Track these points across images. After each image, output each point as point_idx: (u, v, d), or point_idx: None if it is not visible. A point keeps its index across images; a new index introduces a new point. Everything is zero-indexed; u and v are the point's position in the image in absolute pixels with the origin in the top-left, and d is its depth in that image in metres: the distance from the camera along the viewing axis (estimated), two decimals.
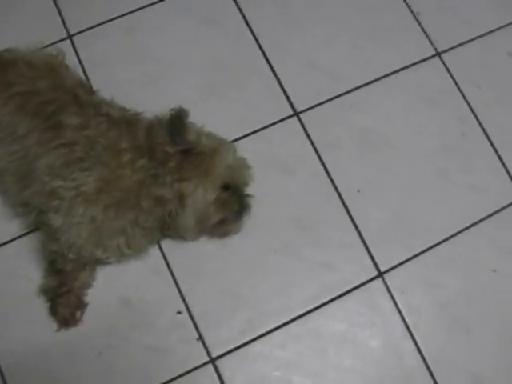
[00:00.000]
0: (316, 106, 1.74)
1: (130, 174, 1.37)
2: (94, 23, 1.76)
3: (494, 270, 1.63)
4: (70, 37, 1.74)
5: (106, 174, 1.36)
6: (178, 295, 1.53)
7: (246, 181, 1.52)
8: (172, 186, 1.38)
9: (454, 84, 1.80)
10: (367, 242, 1.62)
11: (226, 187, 1.44)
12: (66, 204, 1.35)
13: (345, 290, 1.58)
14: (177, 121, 1.37)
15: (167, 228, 1.47)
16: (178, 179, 1.38)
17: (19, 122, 1.39)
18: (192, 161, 1.39)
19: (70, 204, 1.35)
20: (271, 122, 1.71)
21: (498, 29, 1.90)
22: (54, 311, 1.49)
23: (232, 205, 1.46)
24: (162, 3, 1.82)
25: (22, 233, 1.56)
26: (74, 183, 1.35)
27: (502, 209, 1.69)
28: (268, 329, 1.53)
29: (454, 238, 1.65)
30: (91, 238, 1.38)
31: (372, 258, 1.61)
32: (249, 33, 1.80)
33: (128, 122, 1.44)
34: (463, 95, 1.79)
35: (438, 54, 1.84)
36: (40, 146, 1.37)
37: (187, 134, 1.38)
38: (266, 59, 1.78)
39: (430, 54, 1.83)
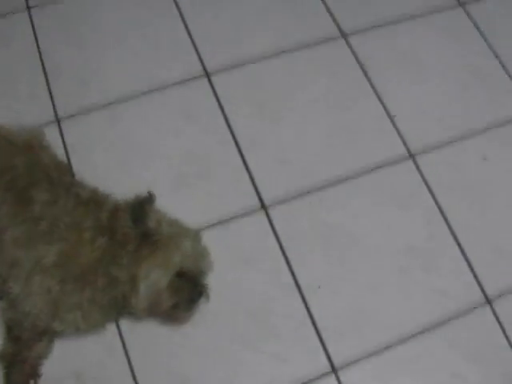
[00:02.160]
0: (284, 201, 1.93)
1: (89, 251, 1.53)
2: (82, 109, 2.03)
3: (452, 374, 1.73)
4: (57, 120, 2.00)
5: (66, 248, 1.52)
6: (130, 373, 1.68)
7: (202, 270, 1.65)
8: (128, 268, 1.54)
9: (425, 186, 1.98)
10: (323, 338, 1.75)
11: (181, 274, 1.59)
12: (25, 274, 1.52)
13: None
14: (140, 206, 1.54)
15: (121, 307, 1.60)
16: (134, 262, 1.54)
17: None
18: (149, 246, 1.56)
19: (28, 274, 1.52)
20: (238, 214, 1.89)
21: (474, 133, 2.10)
22: (8, 378, 1.64)
23: (184, 292, 1.59)
24: (147, 95, 2.08)
25: None
26: (35, 254, 1.52)
27: (465, 311, 1.81)
28: None
29: (413, 339, 1.77)
30: (47, 308, 1.54)
31: (327, 354, 1.73)
32: (225, 125, 2.04)
33: (95, 202, 1.62)
34: (434, 198, 1.96)
35: (412, 156, 2.03)
36: (8, 218, 1.56)
37: (148, 220, 1.54)
38: (240, 151, 2.00)
39: (403, 156, 2.03)
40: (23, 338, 1.63)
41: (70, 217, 1.57)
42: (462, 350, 1.78)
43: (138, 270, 1.55)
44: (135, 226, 1.55)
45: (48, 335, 1.66)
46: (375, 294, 1.83)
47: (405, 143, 2.06)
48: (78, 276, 1.55)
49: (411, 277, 1.86)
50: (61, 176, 1.68)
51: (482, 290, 1.86)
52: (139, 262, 1.56)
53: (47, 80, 2.09)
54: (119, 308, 1.62)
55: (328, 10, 2.31)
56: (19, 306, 1.56)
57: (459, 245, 1.91)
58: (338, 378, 1.72)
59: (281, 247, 1.87)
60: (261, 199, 1.94)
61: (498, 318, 1.83)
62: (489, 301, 1.85)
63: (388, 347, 1.77)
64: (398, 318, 1.81)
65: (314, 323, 1.78)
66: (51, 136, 1.86)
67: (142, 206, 1.56)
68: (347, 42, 2.24)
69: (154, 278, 1.56)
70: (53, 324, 1.58)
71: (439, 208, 1.96)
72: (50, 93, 2.07)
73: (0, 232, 1.57)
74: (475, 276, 1.88)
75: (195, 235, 1.68)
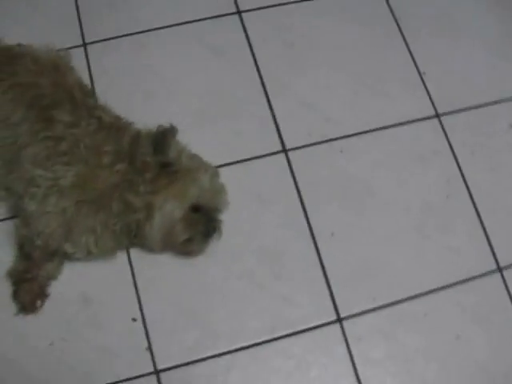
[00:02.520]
0: (305, 146, 1.93)
1: (107, 175, 1.56)
2: (109, 36, 2.02)
3: (457, 336, 1.75)
4: (84, 45, 1.99)
5: (85, 171, 1.55)
6: (137, 302, 1.70)
7: (218, 206, 1.69)
8: (144, 196, 1.57)
9: (448, 146, 1.97)
10: (332, 285, 1.76)
11: (197, 208, 1.62)
12: (42, 192, 1.54)
13: (301, 328, 1.72)
14: (162, 135, 1.56)
15: (134, 236, 1.63)
16: (151, 191, 1.57)
17: (15, 111, 1.59)
18: (168, 176, 1.58)
19: (45, 193, 1.54)
20: (258, 154, 1.90)
21: (502, 100, 2.08)
22: (15, 295, 1.66)
23: (199, 226, 1.63)
24: (176, 27, 2.06)
25: (2, 217, 1.75)
26: (53, 174, 1.54)
27: (475, 276, 1.82)
28: (216, 352, 1.67)
29: (421, 297, 1.78)
30: (60, 229, 1.57)
31: (334, 301, 1.74)
32: (254, 67, 2.03)
33: (117, 127, 1.63)
34: (456, 158, 1.96)
35: (438, 116, 2.02)
36: (29, 135, 1.58)
37: (169, 150, 1.57)
38: (265, 92, 1.99)
39: (429, 114, 2.02)
40: (34, 257, 1.65)
41: (91, 139, 1.58)
42: (469, 313, 1.79)
43: (153, 199, 1.58)
44: (155, 155, 1.57)
45: (59, 256, 1.68)
46: (388, 247, 1.84)
47: (432, 102, 2.04)
48: (93, 199, 1.57)
49: (425, 234, 1.86)
50: (84, 98, 1.68)
51: (495, 257, 1.86)
52: (156, 191, 1.58)
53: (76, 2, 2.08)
54: (131, 236, 1.65)
55: None
56: (33, 224, 1.58)
57: (476, 209, 1.91)
58: (342, 327, 1.73)
59: (298, 191, 1.88)
60: (282, 141, 1.93)
61: (506, 286, 1.83)
62: (500, 268, 1.85)
63: (396, 302, 1.78)
64: (408, 274, 1.81)
65: (323, 269, 1.79)
66: (77, 60, 1.87)
67: (164, 136, 1.57)
68: None
69: (169, 208, 1.59)
70: (64, 245, 1.61)
71: (460, 169, 1.95)
72: (79, 15, 2.05)
73: (20, 148, 1.59)
74: (489, 242, 1.88)
75: (214, 171, 1.70)
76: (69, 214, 1.55)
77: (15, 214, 1.72)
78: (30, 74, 1.64)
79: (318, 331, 1.73)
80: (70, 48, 1.96)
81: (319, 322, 1.74)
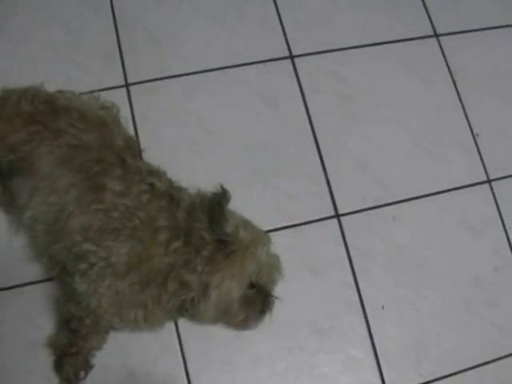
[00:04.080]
0: (359, 211, 1.91)
1: (162, 254, 1.50)
2: (155, 77, 1.92)
3: None
4: (127, 85, 1.90)
5: (139, 249, 1.49)
6: (185, 376, 1.68)
7: (275, 282, 1.65)
8: (201, 275, 1.52)
9: (498, 215, 1.98)
10: (380, 360, 1.78)
11: (253, 285, 1.58)
12: (94, 272, 1.48)
13: None
14: (218, 209, 1.50)
15: (185, 310, 1.58)
16: (208, 270, 1.52)
17: (61, 175, 1.51)
18: (226, 254, 1.53)
19: (98, 273, 1.48)
20: (310, 219, 1.87)
21: None
22: (58, 368, 1.62)
23: (256, 305, 1.59)
24: (226, 70, 1.98)
25: (41, 279, 1.69)
26: (106, 252, 1.48)
27: None
28: None
29: (467, 372, 1.82)
30: (112, 308, 1.52)
31: (382, 378, 1.77)
32: (306, 120, 1.98)
33: (171, 197, 1.56)
34: (505, 229, 1.98)
35: (489, 182, 2.02)
36: (78, 204, 1.50)
37: (226, 226, 1.52)
38: (319, 151, 1.95)
39: (480, 180, 2.02)
40: (81, 332, 1.59)
41: (144, 211, 1.52)
42: None
43: (211, 279, 1.53)
44: (212, 229, 1.52)
45: (105, 328, 1.64)
46: (437, 322, 1.86)
47: (484, 166, 2.05)
48: (147, 278, 1.52)
49: (475, 310, 1.89)
50: (135, 161, 1.61)
51: None
52: (213, 269, 1.54)
53: (118, 38, 1.96)
54: (183, 311, 1.61)
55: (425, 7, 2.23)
56: (83, 303, 1.53)
57: None
58: None
59: (350, 260, 1.86)
60: (335, 206, 1.91)
61: None
62: None
63: (441, 378, 1.81)
64: (455, 350, 1.85)
65: (373, 343, 1.80)
66: (118, 101, 1.77)
67: (221, 208, 1.52)
68: (439, 42, 2.17)
69: (226, 288, 1.55)
70: (113, 320, 1.57)
71: (508, 240, 1.97)
72: (121, 52, 1.95)
73: (68, 218, 1.51)
74: None
75: (268, 241, 1.66)
76: (122, 294, 1.51)
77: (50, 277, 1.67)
78: (76, 132, 1.55)
79: None
80: (111, 88, 1.88)
81: None
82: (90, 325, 1.56)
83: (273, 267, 1.64)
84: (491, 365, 1.84)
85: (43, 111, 1.56)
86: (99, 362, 1.65)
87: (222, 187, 1.52)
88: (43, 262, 1.64)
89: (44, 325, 1.66)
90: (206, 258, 1.52)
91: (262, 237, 1.64)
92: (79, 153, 1.53)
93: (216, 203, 1.52)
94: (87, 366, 1.64)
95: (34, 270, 1.70)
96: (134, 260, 1.49)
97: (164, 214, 1.53)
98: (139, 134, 1.85)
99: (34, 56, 1.89)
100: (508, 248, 1.96)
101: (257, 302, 1.60)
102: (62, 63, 1.89)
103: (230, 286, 1.54)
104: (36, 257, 1.67)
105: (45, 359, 1.63)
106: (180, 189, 1.63)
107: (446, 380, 1.80)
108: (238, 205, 1.60)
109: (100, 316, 1.53)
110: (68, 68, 1.88)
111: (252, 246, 1.58)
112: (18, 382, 1.63)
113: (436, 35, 2.17)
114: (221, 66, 1.99)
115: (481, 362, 1.84)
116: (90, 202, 1.50)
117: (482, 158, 2.05)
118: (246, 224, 1.62)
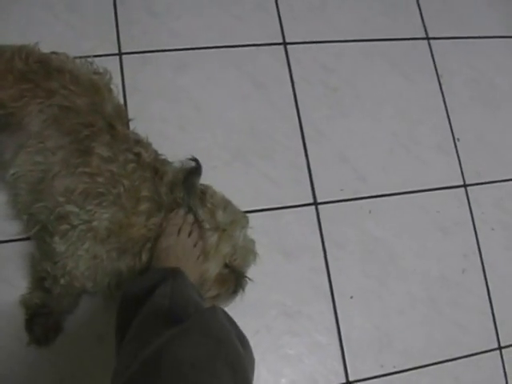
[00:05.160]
0: (337, 201, 1.96)
1: (142, 224, 1.54)
2: (148, 49, 1.95)
3: None
4: (120, 54, 1.92)
5: (121, 217, 1.52)
6: None
7: (249, 264, 1.70)
8: None
9: (470, 219, 2.06)
10: (345, 347, 1.84)
11: (227, 265, 1.63)
12: (75, 234, 1.50)
13: None
14: (187, 182, 1.58)
15: None
16: None
17: (50, 135, 1.53)
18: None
19: (78, 235, 1.50)
20: (289, 204, 1.92)
21: None
22: (29, 327, 1.63)
23: (230, 284, 1.64)
24: (219, 49, 2.02)
25: (18, 237, 1.69)
26: (88, 216, 1.50)
27: (477, 353, 1.94)
28: None
29: (427, 368, 1.89)
30: (88, 271, 1.54)
31: (345, 365, 1.83)
32: (293, 107, 2.03)
33: (155, 169, 1.60)
34: (476, 233, 2.05)
35: (465, 186, 2.09)
36: (64, 166, 1.52)
37: (192, 198, 1.59)
38: (303, 138, 2.00)
39: (457, 184, 2.09)
40: (54, 292, 1.60)
41: (129, 179, 1.55)
42: None
43: None
44: (183, 201, 1.59)
45: (78, 292, 1.66)
46: (401, 315, 1.92)
47: (461, 170, 2.12)
48: (126, 247, 1.55)
49: (437, 307, 1.96)
50: (124, 130, 1.64)
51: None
52: None
53: (115, 5, 1.98)
54: None
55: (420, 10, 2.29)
56: (60, 263, 1.54)
57: (487, 286, 2.02)
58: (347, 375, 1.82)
59: (323, 248, 1.91)
60: (314, 193, 1.96)
61: (503, 363, 1.97)
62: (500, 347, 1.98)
63: (403, 371, 1.88)
64: (416, 345, 1.92)
65: (338, 329, 1.85)
66: (111, 70, 1.78)
67: (189, 181, 1.59)
68: (429, 45, 2.24)
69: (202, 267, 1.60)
70: (87, 284, 1.59)
71: (478, 245, 2.05)
72: (117, 20, 1.97)
73: (52, 178, 1.53)
74: (494, 321, 2.00)
75: (247, 224, 1.71)
76: (99, 259, 1.54)
77: (29, 236, 1.68)
78: (68, 94, 1.56)
79: None
80: (105, 55, 1.89)
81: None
82: (64, 285, 1.56)
83: (248, 250, 1.69)
84: (450, 363, 1.91)
85: (36, 70, 1.56)
86: (69, 327, 1.67)
87: (195, 160, 1.61)
88: (23, 219, 1.65)
89: (18, 283, 1.66)
90: None
91: (241, 219, 1.69)
92: (69, 115, 1.55)
93: (187, 176, 1.58)
94: (57, 328, 1.66)
95: (12, 228, 1.70)
96: (115, 226, 1.52)
97: (147, 185, 1.57)
98: (128, 103, 1.87)
99: (29, 16, 1.90)
100: (477, 252, 2.04)
101: (230, 281, 1.65)
102: (56, 25, 1.89)
103: (205, 265, 1.60)
104: (16, 215, 1.68)
105: (17, 317, 1.64)
106: (165, 162, 1.67)
107: (406, 373, 1.87)
108: (218, 183, 1.67)
109: (75, 277, 1.54)
110: (63, 30, 1.89)
111: (230, 228, 1.63)
112: None
113: (427, 38, 2.24)
114: (214, 44, 2.02)
115: (441, 359, 1.91)
116: (77, 165, 1.52)
117: (460, 163, 2.12)
118: (226, 205, 1.66)
